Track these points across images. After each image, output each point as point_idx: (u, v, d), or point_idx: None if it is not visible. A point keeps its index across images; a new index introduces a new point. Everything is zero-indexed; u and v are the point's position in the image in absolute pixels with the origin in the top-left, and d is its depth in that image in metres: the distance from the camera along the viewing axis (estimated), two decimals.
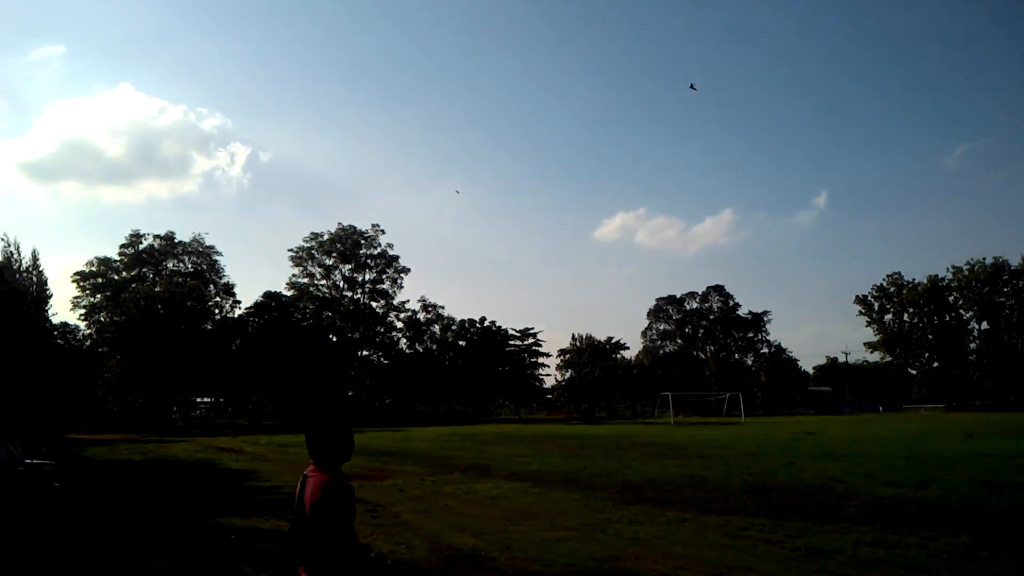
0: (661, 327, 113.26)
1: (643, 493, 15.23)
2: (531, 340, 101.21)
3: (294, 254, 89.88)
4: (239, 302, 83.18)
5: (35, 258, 59.12)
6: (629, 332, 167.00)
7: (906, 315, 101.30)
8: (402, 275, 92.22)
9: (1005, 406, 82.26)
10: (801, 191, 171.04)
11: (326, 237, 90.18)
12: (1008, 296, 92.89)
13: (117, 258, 79.61)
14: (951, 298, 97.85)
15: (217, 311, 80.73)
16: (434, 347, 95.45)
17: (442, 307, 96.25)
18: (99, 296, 76.70)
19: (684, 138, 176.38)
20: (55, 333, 66.37)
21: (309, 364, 74.96)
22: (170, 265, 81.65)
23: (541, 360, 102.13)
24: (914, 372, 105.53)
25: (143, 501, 15.66)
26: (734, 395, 75.25)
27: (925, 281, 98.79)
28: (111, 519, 13.22)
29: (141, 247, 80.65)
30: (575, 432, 44.37)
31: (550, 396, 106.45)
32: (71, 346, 70.77)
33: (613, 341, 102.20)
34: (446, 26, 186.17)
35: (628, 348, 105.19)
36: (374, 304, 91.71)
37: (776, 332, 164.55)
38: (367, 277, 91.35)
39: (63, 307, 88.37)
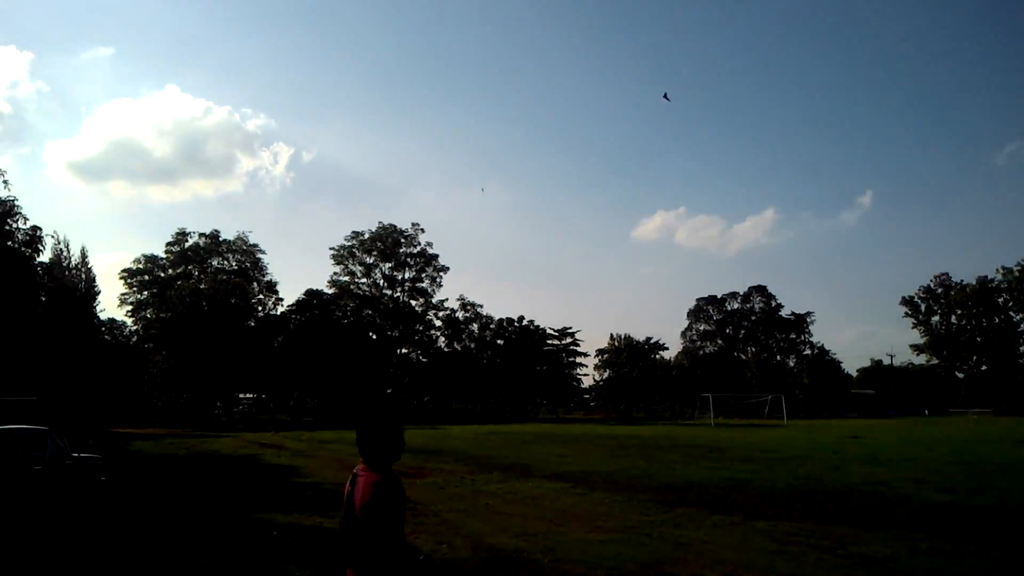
0: (701, 327, 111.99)
1: (686, 496, 15.00)
2: (569, 340, 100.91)
3: (335, 252, 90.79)
4: (281, 300, 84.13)
5: (84, 256, 60.51)
6: (668, 333, 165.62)
7: (953, 317, 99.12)
8: (441, 274, 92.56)
9: None
10: (846, 190, 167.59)
11: (366, 236, 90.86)
12: None
13: (163, 256, 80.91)
14: (1000, 299, 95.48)
15: (260, 308, 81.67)
16: (472, 346, 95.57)
17: (480, 306, 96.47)
18: (146, 293, 77.99)
19: (725, 136, 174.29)
20: (103, 329, 67.80)
21: (349, 361, 75.55)
22: (215, 263, 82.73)
23: (579, 360, 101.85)
24: (961, 375, 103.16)
25: (187, 496, 15.82)
26: (776, 397, 74.14)
27: (974, 282, 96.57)
28: (156, 513, 13.36)
29: (187, 245, 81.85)
30: (614, 433, 44.08)
31: (587, 396, 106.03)
32: (118, 342, 72.25)
33: (652, 341, 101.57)
34: (486, 25, 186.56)
35: (667, 348, 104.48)
36: (413, 302, 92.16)
37: (819, 334, 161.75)
38: (407, 275, 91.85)
39: (111, 304, 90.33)
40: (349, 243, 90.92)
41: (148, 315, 76.84)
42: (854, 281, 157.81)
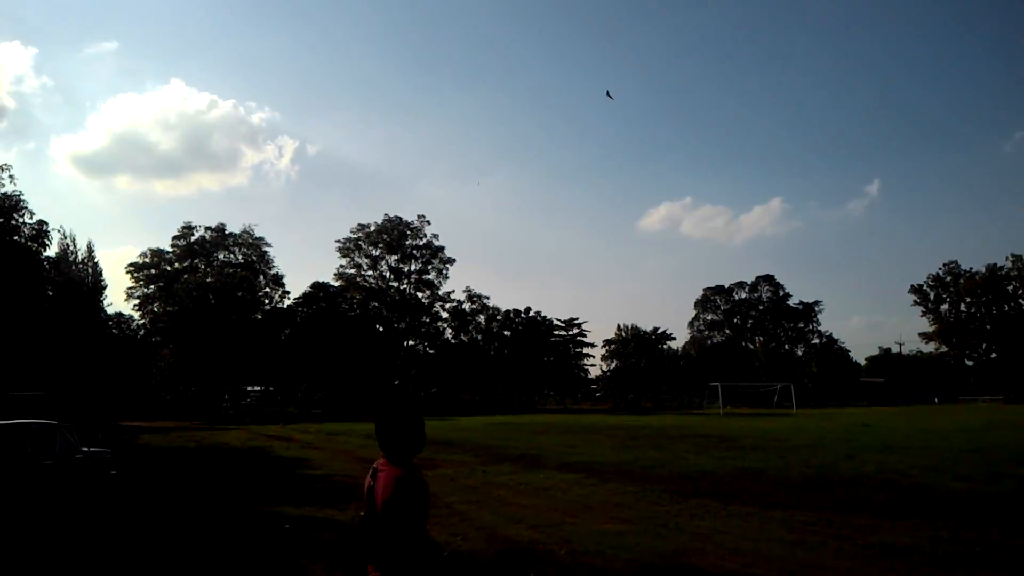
0: (709, 317, 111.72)
1: (700, 485, 14.86)
2: (576, 330, 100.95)
3: (341, 245, 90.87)
4: (288, 292, 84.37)
5: (90, 250, 60.53)
6: (675, 323, 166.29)
7: (963, 305, 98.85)
8: (447, 266, 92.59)
9: None
10: (853, 179, 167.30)
11: (373, 228, 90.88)
12: None
13: (170, 250, 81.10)
14: (1010, 287, 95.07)
15: (267, 301, 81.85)
16: (479, 337, 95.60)
17: (487, 297, 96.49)
18: (152, 287, 78.16)
19: (731, 127, 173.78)
20: (110, 323, 67.86)
21: (356, 354, 75.62)
22: (221, 256, 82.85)
23: (586, 351, 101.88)
24: (970, 363, 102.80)
25: (197, 489, 15.74)
26: (785, 386, 73.93)
27: (983, 270, 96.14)
28: (166, 507, 13.28)
29: (193, 239, 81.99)
30: (623, 423, 43.96)
31: (595, 387, 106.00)
32: (125, 336, 72.37)
33: (659, 332, 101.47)
34: (492, 16, 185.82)
35: (675, 339, 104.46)
36: (420, 294, 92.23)
37: (827, 323, 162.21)
38: (413, 268, 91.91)
39: (118, 298, 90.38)
40: (355, 236, 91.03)
41: (155, 309, 77.03)
42: (862, 270, 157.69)
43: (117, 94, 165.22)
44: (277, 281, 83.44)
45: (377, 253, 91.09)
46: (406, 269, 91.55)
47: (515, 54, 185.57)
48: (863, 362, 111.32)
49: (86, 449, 16.05)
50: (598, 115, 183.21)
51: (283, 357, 73.77)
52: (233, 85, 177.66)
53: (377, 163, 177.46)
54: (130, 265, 78.96)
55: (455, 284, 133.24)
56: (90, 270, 59.88)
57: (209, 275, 76.75)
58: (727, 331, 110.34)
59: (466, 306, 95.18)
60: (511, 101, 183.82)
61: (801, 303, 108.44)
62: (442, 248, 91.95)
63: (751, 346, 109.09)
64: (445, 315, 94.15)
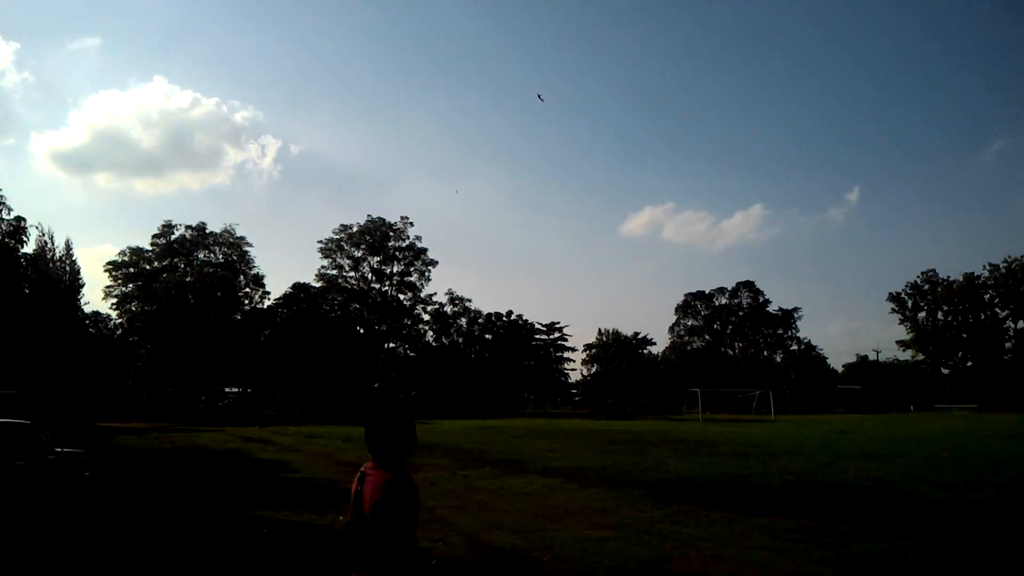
0: (689, 323, 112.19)
1: (681, 491, 14.84)
2: (557, 334, 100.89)
3: (323, 246, 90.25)
4: (268, 293, 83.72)
5: (68, 248, 59.96)
6: (656, 327, 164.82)
7: (940, 313, 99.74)
8: (430, 268, 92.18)
9: None
10: (833, 187, 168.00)
11: (355, 229, 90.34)
12: None
13: (149, 248, 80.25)
14: (987, 296, 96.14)
15: (247, 302, 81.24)
16: (460, 340, 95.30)
17: (469, 300, 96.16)
18: (131, 286, 77.31)
19: (714, 132, 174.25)
20: (87, 322, 67.10)
21: (336, 356, 75.17)
22: (201, 256, 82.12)
23: (567, 355, 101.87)
24: (946, 371, 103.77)
25: (174, 491, 15.51)
26: (763, 392, 74.31)
27: (960, 279, 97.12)
28: (142, 509, 13.06)
29: (173, 238, 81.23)
30: (602, 427, 43.95)
31: (575, 391, 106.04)
32: (102, 335, 71.50)
33: (640, 336, 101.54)
34: (474, 18, 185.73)
35: (655, 344, 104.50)
36: (402, 296, 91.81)
37: (806, 329, 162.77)
38: (395, 269, 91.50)
39: (95, 296, 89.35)
40: (337, 236, 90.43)
41: (133, 308, 76.22)
42: (840, 277, 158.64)
43: (99, 91, 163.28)
44: (257, 281, 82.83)
45: (359, 254, 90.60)
46: (388, 271, 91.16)
47: (499, 55, 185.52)
48: (840, 369, 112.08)
49: (60, 450, 15.76)
50: (582, 119, 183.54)
51: (262, 358, 73.20)
52: (217, 83, 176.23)
53: (360, 164, 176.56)
54: (108, 263, 78.07)
55: (437, 286, 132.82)
56: (68, 268, 59.28)
57: (189, 274, 76.08)
58: (707, 337, 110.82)
59: (448, 308, 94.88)
60: (495, 104, 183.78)
61: (780, 309, 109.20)
62: (425, 250, 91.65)
63: (731, 352, 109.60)
64: (427, 317, 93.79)
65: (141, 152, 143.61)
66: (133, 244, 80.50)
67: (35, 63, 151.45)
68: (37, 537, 10.47)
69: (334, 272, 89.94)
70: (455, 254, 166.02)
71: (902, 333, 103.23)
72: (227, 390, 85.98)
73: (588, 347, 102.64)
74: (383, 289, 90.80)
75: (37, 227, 56.44)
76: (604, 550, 9.34)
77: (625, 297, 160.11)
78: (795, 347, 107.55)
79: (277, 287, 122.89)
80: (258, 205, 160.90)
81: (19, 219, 49.38)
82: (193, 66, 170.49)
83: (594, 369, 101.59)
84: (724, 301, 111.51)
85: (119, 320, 76.97)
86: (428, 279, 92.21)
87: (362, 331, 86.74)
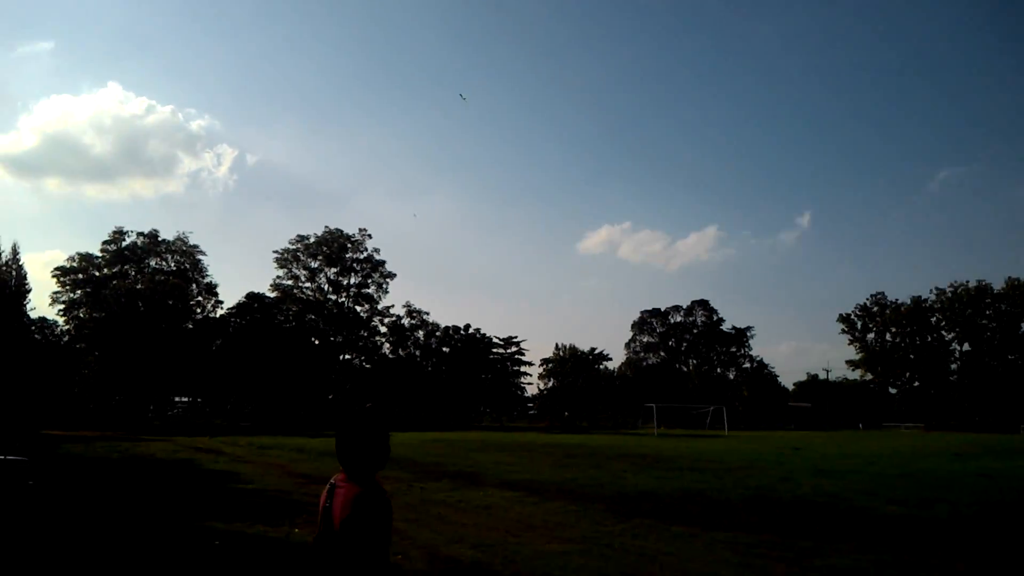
0: (645, 339, 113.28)
1: (641, 506, 14.77)
2: (514, 348, 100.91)
3: (279, 255, 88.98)
4: (221, 302, 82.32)
5: (15, 252, 58.42)
6: (612, 344, 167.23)
7: (888, 334, 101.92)
8: (388, 280, 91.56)
9: (982, 427, 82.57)
10: (785, 211, 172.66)
11: (312, 240, 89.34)
12: (990, 319, 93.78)
13: (99, 255, 78.35)
14: (933, 319, 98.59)
15: (199, 310, 79.74)
16: (417, 353, 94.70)
17: (427, 313, 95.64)
18: (79, 292, 75.36)
19: (671, 154, 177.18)
20: (33, 328, 65.27)
21: (290, 367, 74.10)
22: (152, 263, 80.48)
23: (523, 369, 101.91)
24: (894, 391, 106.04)
25: (121, 501, 15.00)
26: (718, 408, 75.06)
27: (908, 302, 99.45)
28: (87, 520, 12.58)
29: (124, 244, 79.48)
30: (559, 441, 43.88)
31: (531, 405, 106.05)
32: (49, 341, 69.62)
33: (596, 352, 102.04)
34: (435, 34, 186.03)
35: (611, 359, 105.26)
36: (358, 308, 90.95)
37: (758, 348, 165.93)
38: (352, 281, 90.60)
39: (42, 302, 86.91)
40: (294, 247, 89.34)
41: (81, 315, 74.30)
42: (792, 298, 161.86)
43: (51, 95, 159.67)
44: (210, 290, 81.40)
45: (316, 265, 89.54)
46: (345, 282, 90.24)
47: (459, 73, 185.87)
48: (791, 387, 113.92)
49: (2, 457, 15.21)
50: (541, 137, 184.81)
51: (213, 368, 71.83)
52: (173, 91, 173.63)
53: (318, 177, 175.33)
54: (56, 269, 76.00)
55: (395, 299, 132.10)
56: (14, 272, 57.69)
57: (139, 282, 74.43)
58: (662, 353, 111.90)
59: (405, 321, 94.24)
60: (453, 122, 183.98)
61: (734, 328, 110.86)
62: (383, 262, 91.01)
63: (685, 368, 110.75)
64: (384, 330, 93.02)
65: (93, 158, 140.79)
66: (83, 250, 78.63)
67: None
68: None
69: (290, 282, 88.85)
70: (413, 269, 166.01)
71: (852, 353, 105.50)
72: (177, 399, 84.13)
73: (545, 362, 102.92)
74: (340, 300, 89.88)
75: None
76: (568, 564, 9.21)
77: (582, 313, 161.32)
78: (748, 365, 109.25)
79: (231, 297, 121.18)
80: (212, 214, 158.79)
81: None
82: (149, 73, 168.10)
83: (551, 383, 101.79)
84: (679, 319, 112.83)
85: (67, 327, 74.98)
86: (386, 291, 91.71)
87: (317, 342, 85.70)
